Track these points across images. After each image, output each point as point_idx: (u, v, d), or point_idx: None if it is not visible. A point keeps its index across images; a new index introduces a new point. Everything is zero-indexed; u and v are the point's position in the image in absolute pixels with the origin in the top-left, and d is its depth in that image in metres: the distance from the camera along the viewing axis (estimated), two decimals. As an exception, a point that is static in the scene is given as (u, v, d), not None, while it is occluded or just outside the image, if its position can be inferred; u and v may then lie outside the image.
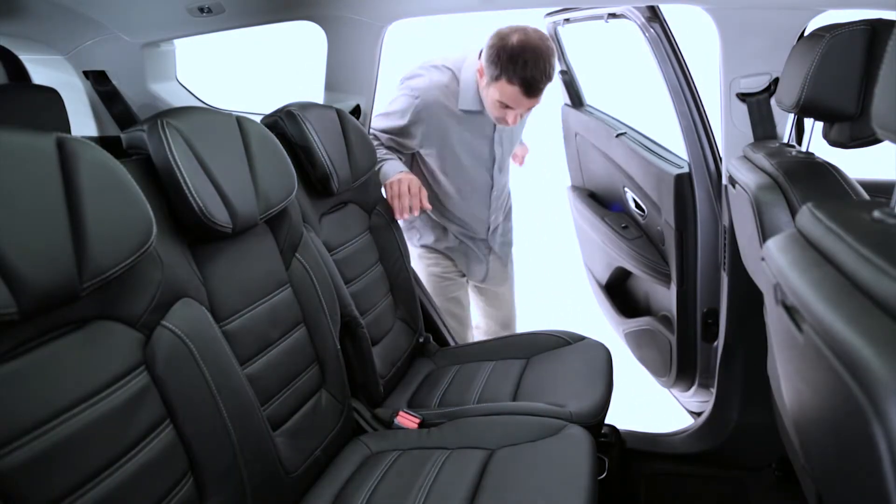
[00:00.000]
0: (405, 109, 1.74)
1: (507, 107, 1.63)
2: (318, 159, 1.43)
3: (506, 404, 1.45)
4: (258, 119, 1.68)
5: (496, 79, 1.59)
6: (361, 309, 1.51)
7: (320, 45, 1.60)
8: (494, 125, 1.82)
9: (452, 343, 1.98)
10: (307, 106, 1.49)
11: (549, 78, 1.58)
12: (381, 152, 1.80)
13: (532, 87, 1.57)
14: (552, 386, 1.50)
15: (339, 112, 1.55)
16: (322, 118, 1.49)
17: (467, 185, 1.90)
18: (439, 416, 1.43)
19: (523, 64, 1.53)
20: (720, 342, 1.66)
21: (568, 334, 1.73)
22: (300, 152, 1.44)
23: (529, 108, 1.66)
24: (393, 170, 1.75)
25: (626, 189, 2.14)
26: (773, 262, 0.64)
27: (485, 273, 2.09)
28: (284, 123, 1.44)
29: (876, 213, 0.55)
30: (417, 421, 1.41)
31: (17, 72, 1.51)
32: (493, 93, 1.63)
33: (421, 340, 1.78)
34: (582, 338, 1.71)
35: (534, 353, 1.68)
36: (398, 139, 1.80)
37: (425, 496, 1.13)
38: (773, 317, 0.65)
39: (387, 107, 1.79)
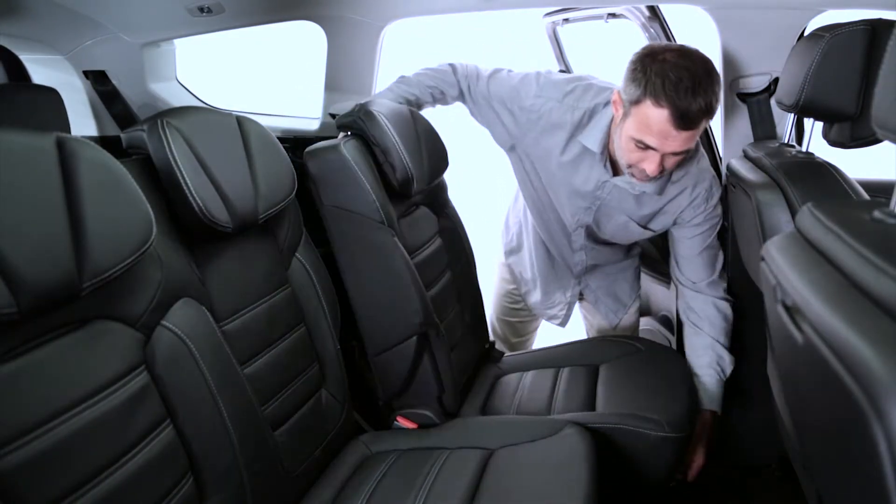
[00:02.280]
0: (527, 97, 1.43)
1: (646, 147, 1.23)
2: (400, 160, 1.38)
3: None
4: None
5: (638, 101, 1.19)
6: (437, 316, 1.46)
7: (320, 45, 1.60)
8: (598, 185, 1.44)
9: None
10: (382, 104, 1.45)
11: (710, 110, 1.17)
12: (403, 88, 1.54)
13: (686, 116, 1.15)
14: (634, 395, 1.44)
15: (411, 111, 1.51)
16: (398, 117, 1.44)
17: (548, 224, 1.62)
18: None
19: (678, 81, 1.14)
20: (720, 342, 1.65)
21: (638, 340, 1.67)
22: (379, 153, 1.39)
23: (678, 153, 1.23)
24: None
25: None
26: (773, 262, 0.64)
27: (562, 317, 1.80)
28: (364, 123, 1.39)
29: (876, 213, 0.55)
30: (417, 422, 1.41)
31: (17, 72, 1.51)
32: (630, 126, 1.23)
33: (487, 346, 1.73)
34: (653, 344, 1.66)
35: (603, 361, 1.63)
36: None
37: (425, 496, 1.13)
38: (773, 317, 0.65)
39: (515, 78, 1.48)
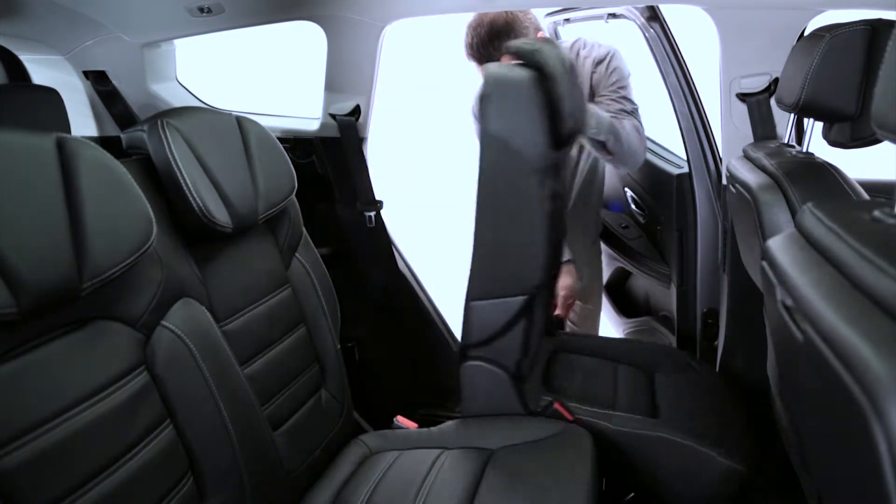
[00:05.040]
0: None
1: None
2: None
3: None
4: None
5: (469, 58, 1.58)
6: None
7: (320, 45, 1.60)
8: None
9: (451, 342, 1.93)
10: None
11: (471, 41, 1.53)
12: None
13: (484, 59, 1.52)
14: (694, 414, 1.38)
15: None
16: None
17: None
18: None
19: (470, 38, 1.53)
20: (720, 342, 1.66)
21: (692, 358, 1.62)
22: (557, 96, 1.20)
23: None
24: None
25: (626, 189, 2.14)
26: (773, 261, 0.64)
27: None
28: (540, 57, 1.20)
29: (876, 213, 0.55)
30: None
31: (17, 72, 1.51)
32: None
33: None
34: (705, 365, 1.60)
35: (658, 369, 1.57)
36: None
37: (425, 496, 1.12)
38: (773, 317, 0.65)
39: None
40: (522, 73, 1.19)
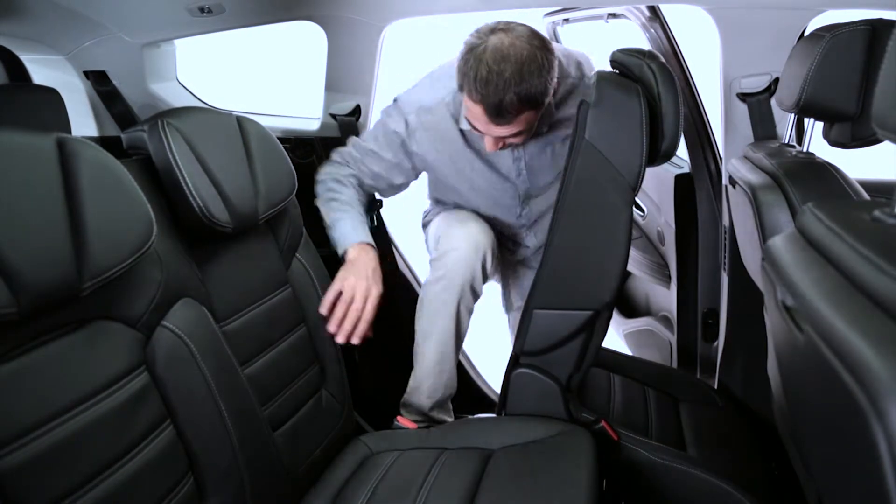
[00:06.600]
0: (389, 133, 1.41)
1: (478, 129, 1.25)
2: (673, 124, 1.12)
3: None
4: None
5: (461, 89, 1.19)
6: None
7: (320, 45, 1.60)
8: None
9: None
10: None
11: (522, 100, 1.15)
12: (337, 195, 1.41)
13: (497, 111, 1.16)
14: (722, 453, 1.36)
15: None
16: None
17: (488, 204, 1.54)
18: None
19: (487, 77, 1.12)
20: (720, 342, 1.66)
21: (716, 392, 1.60)
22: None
23: (507, 137, 1.24)
24: (346, 239, 1.37)
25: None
26: (773, 262, 0.64)
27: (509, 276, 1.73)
28: (653, 71, 1.15)
29: (876, 213, 0.55)
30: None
31: (17, 72, 1.51)
32: (465, 110, 1.25)
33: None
34: (732, 400, 1.58)
35: (683, 398, 1.54)
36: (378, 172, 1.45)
37: (425, 496, 1.12)
38: (773, 317, 0.65)
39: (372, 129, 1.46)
40: (634, 87, 1.15)
